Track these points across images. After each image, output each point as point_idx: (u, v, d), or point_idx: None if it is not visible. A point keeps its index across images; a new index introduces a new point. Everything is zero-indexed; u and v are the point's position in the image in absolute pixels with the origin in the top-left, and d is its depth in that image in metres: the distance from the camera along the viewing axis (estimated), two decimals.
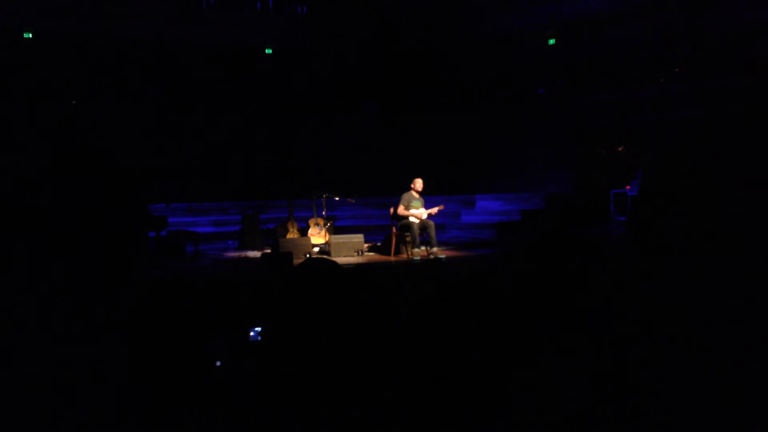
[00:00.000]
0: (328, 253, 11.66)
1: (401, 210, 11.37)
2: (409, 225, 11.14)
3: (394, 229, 11.56)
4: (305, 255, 11.42)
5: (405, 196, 11.46)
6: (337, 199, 13.27)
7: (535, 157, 17.11)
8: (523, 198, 16.27)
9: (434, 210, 11.36)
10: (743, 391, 2.01)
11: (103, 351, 2.66)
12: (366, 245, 12.12)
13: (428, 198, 12.26)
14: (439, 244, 11.78)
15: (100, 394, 2.55)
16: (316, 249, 12.20)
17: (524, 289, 2.77)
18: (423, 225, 11.23)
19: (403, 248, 11.62)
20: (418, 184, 11.50)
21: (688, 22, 14.66)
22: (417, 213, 11.35)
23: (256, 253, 12.17)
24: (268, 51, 16.87)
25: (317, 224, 12.60)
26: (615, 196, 15.40)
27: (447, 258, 10.85)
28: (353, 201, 13.40)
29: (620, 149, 16.30)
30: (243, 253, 12.41)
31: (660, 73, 15.39)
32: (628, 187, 15.19)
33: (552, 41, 16.53)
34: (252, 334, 3.23)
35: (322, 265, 2.85)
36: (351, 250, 11.64)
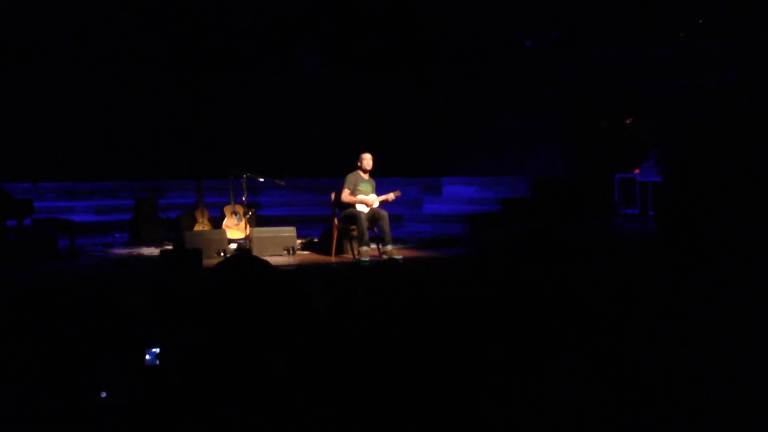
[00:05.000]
0: (248, 251, 11.58)
1: (346, 196, 11.37)
2: (356, 216, 11.16)
3: (335, 221, 11.56)
4: (219, 253, 11.32)
5: (350, 177, 11.46)
6: (261, 180, 13.18)
7: (519, 131, 17.30)
8: (503, 182, 16.41)
9: (389, 196, 11.38)
10: None
11: None
12: (299, 241, 12.06)
13: (381, 181, 12.26)
14: (395, 240, 11.82)
15: None
16: (233, 246, 12.11)
17: (504, 301, 2.82)
18: (373, 216, 11.25)
19: (348, 246, 11.59)
20: (366, 160, 11.51)
21: None
22: (366, 200, 11.38)
23: (153, 250, 12.04)
24: None
25: (235, 213, 12.51)
26: (620, 182, 15.68)
27: (404, 259, 10.89)
28: (283, 183, 13.35)
29: (628, 122, 16.58)
30: (135, 250, 12.25)
31: (680, 25, 15.68)
32: (637, 171, 15.48)
33: None
34: (148, 356, 3.22)
35: (248, 265, 2.87)
36: (279, 247, 11.60)
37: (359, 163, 11.54)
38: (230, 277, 2.97)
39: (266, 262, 3.06)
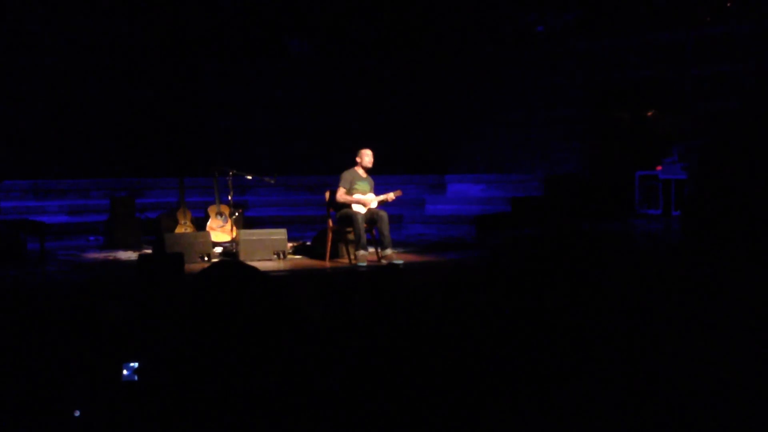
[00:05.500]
0: (235, 255, 11.58)
1: (341, 195, 11.36)
2: (352, 217, 11.15)
3: (330, 223, 11.56)
4: (202, 258, 11.32)
5: (346, 174, 11.45)
6: (249, 177, 13.17)
7: (531, 124, 17.28)
8: (513, 180, 16.40)
9: (389, 196, 11.38)
10: None
11: None
12: (290, 245, 12.06)
13: (380, 179, 12.25)
14: (395, 244, 11.82)
15: None
16: (218, 250, 12.10)
17: (515, 311, 2.81)
18: (372, 217, 11.25)
19: (344, 250, 11.59)
20: (367, 157, 11.50)
21: None
22: (364, 199, 11.37)
23: (131, 255, 12.03)
24: None
25: (220, 214, 12.50)
26: (641, 179, 15.67)
27: (405, 264, 10.88)
28: (273, 181, 13.32)
29: (650, 114, 16.57)
30: (111, 254, 12.25)
31: (707, 7, 15.65)
32: (659, 168, 15.47)
33: None
34: (126, 372, 3.22)
35: (236, 272, 2.86)
36: (268, 251, 11.59)
37: (357, 160, 11.52)
38: (215, 286, 2.95)
39: (255, 269, 3.04)
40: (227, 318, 2.88)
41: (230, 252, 11.90)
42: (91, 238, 13.70)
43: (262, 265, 10.74)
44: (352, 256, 11.27)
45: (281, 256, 11.63)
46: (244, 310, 2.88)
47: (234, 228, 12.16)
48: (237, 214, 12.49)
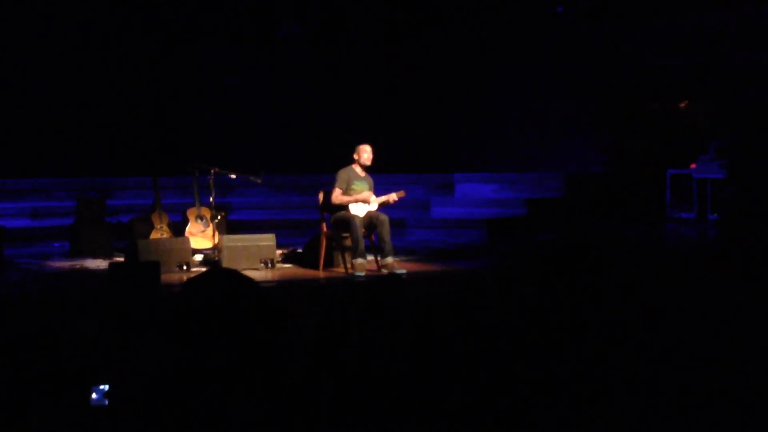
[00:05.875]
0: (217, 263, 11.59)
1: (337, 196, 11.35)
2: (349, 220, 11.15)
3: (324, 227, 11.56)
4: (181, 267, 11.32)
5: (342, 173, 11.44)
6: (233, 176, 13.17)
7: (549, 116, 17.28)
8: (530, 180, 16.40)
9: (390, 197, 11.38)
10: None
11: None
12: (279, 252, 12.06)
13: (381, 178, 12.24)
14: (397, 251, 11.81)
15: None
16: (199, 257, 12.10)
17: (532, 327, 2.80)
18: (371, 221, 11.24)
19: (339, 258, 11.58)
20: (365, 154, 11.49)
21: None
22: (363, 196, 11.36)
23: (100, 263, 12.03)
24: None
25: (200, 217, 12.49)
26: (673, 179, 15.65)
27: (408, 274, 10.89)
28: (260, 180, 13.30)
29: (682, 105, 16.56)
30: (78, 263, 12.25)
31: None
32: (693, 166, 15.46)
33: None
34: (95, 395, 3.22)
35: (231, 283, 2.85)
36: (254, 259, 11.59)
37: (355, 157, 11.50)
38: (207, 298, 2.94)
39: (251, 280, 3.05)
40: (220, 335, 2.88)
41: (212, 260, 11.89)
42: (56, 244, 13.70)
43: (248, 275, 10.72)
44: (349, 265, 11.27)
45: (269, 264, 11.63)
46: (240, 327, 2.88)
47: (216, 233, 12.15)
48: (219, 217, 12.48)
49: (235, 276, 3.03)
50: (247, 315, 2.91)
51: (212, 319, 2.87)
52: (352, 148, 11.60)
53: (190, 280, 3.07)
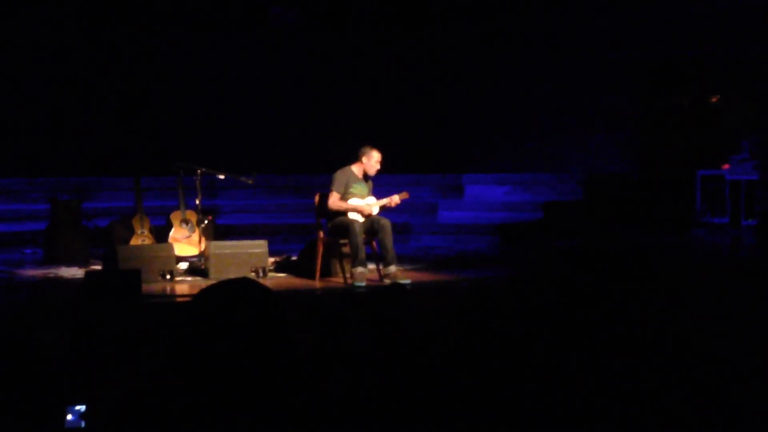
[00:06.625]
0: (204, 273, 11.62)
1: (334, 200, 11.35)
2: (348, 226, 11.15)
3: (321, 233, 11.56)
4: (164, 276, 11.32)
5: (340, 175, 11.43)
6: (221, 177, 13.20)
7: (567, 112, 17.26)
8: (545, 181, 16.41)
9: (393, 200, 11.38)
10: None
11: None
12: (272, 260, 12.08)
13: (383, 179, 12.24)
14: (401, 259, 11.81)
15: None
16: (184, 265, 12.10)
17: (549, 344, 2.81)
18: (372, 226, 11.24)
19: (337, 266, 11.59)
20: (375, 162, 11.41)
21: None
22: (361, 207, 11.37)
23: (76, 272, 12.05)
24: None
25: (185, 222, 12.49)
26: (703, 180, 15.65)
27: (413, 284, 10.89)
28: (250, 182, 13.32)
29: (714, 100, 16.56)
30: (52, 271, 12.26)
31: None
32: (726, 167, 15.46)
33: None
34: (70, 416, 3.24)
35: (251, 295, 2.85)
36: (244, 267, 11.57)
37: (363, 159, 11.39)
38: (224, 312, 2.94)
39: (270, 291, 3.06)
40: (234, 352, 2.88)
41: (198, 268, 11.90)
42: (28, 250, 13.71)
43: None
44: (348, 275, 11.27)
45: (261, 273, 11.63)
46: (257, 344, 2.88)
47: (202, 239, 12.16)
48: (206, 221, 12.49)
49: (256, 287, 3.03)
50: (267, 330, 2.92)
51: (230, 334, 2.88)
52: (352, 146, 11.60)
53: (203, 290, 3.07)
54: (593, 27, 17.10)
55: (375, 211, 11.38)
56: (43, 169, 16.18)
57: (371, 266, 11.33)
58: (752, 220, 14.51)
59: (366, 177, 11.49)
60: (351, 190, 11.37)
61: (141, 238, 12.45)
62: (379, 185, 11.72)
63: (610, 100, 16.79)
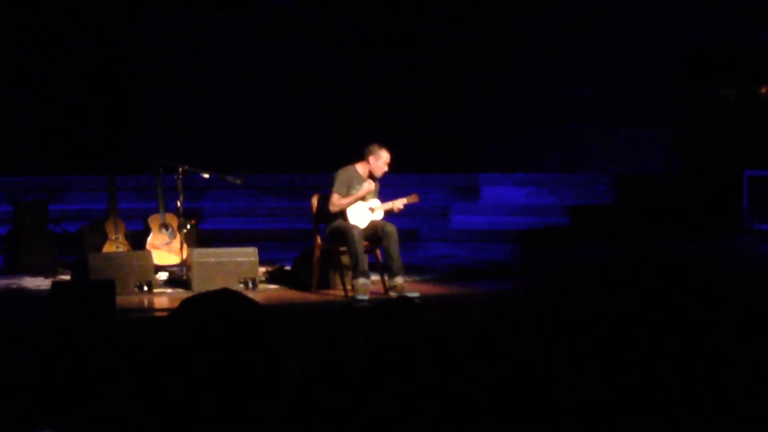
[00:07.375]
0: (186, 284, 11.62)
1: (336, 201, 11.36)
2: (348, 231, 11.15)
3: (318, 240, 11.57)
4: (141, 287, 11.33)
5: (342, 175, 11.44)
6: (206, 176, 13.22)
7: (596, 106, 17.25)
8: (572, 182, 16.40)
9: (399, 203, 11.38)
10: None
11: None
12: (263, 270, 12.09)
13: (390, 179, 12.23)
14: (408, 269, 11.81)
15: None
16: (163, 275, 12.11)
17: (576, 365, 2.78)
18: (375, 232, 11.25)
19: (336, 277, 11.61)
20: (383, 162, 11.40)
21: None
22: (362, 195, 11.37)
23: (42, 282, 12.06)
24: None
25: (165, 226, 12.51)
26: (751, 181, 15.61)
27: (422, 297, 10.88)
28: (239, 181, 13.33)
29: (763, 91, 16.55)
30: (15, 281, 12.29)
31: None
32: None
33: None
34: None
35: (233, 310, 2.84)
36: (232, 278, 11.60)
37: (370, 159, 11.41)
38: (206, 327, 2.91)
39: (260, 306, 3.04)
40: (217, 370, 2.85)
41: (179, 279, 11.91)
42: None
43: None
44: (348, 287, 11.29)
45: (250, 285, 11.65)
46: (243, 360, 2.86)
47: (184, 246, 12.17)
48: (189, 226, 12.50)
49: (240, 300, 3.01)
50: (253, 350, 2.90)
51: (210, 354, 2.85)
52: (353, 142, 11.61)
53: (185, 301, 3.05)
54: (625, 7, 17.07)
55: (379, 216, 11.40)
56: (6, 167, 16.16)
57: (375, 277, 11.33)
58: None
59: (371, 178, 11.48)
60: (353, 192, 11.36)
61: (115, 244, 12.45)
62: (385, 186, 11.75)
63: (645, 92, 16.77)
